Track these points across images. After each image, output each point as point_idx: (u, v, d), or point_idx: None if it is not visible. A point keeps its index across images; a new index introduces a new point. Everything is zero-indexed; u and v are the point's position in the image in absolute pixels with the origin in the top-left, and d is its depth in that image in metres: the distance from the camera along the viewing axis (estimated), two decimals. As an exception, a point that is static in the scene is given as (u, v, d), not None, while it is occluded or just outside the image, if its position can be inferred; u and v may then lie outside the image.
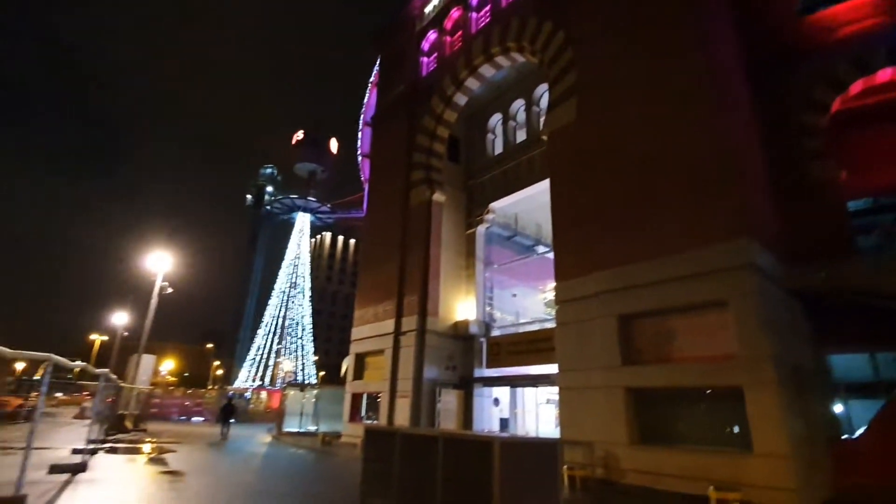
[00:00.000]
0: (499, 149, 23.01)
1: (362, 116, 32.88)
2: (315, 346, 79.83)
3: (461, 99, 22.94)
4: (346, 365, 25.40)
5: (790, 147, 13.42)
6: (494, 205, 21.74)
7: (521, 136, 22.09)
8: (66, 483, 8.23)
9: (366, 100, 33.13)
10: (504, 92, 23.19)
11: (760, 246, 10.76)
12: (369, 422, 21.05)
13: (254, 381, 70.66)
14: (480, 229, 22.11)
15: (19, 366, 53.51)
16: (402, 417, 18.79)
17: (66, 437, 16.20)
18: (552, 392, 17.69)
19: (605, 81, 14.66)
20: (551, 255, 16.42)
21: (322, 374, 74.23)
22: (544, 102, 19.90)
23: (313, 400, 26.30)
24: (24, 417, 23.21)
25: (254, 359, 74.07)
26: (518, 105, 22.56)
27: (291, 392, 27.36)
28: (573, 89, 15.58)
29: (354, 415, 22.47)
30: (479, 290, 21.32)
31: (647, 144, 12.90)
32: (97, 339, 51.71)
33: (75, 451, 11.27)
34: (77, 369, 9.75)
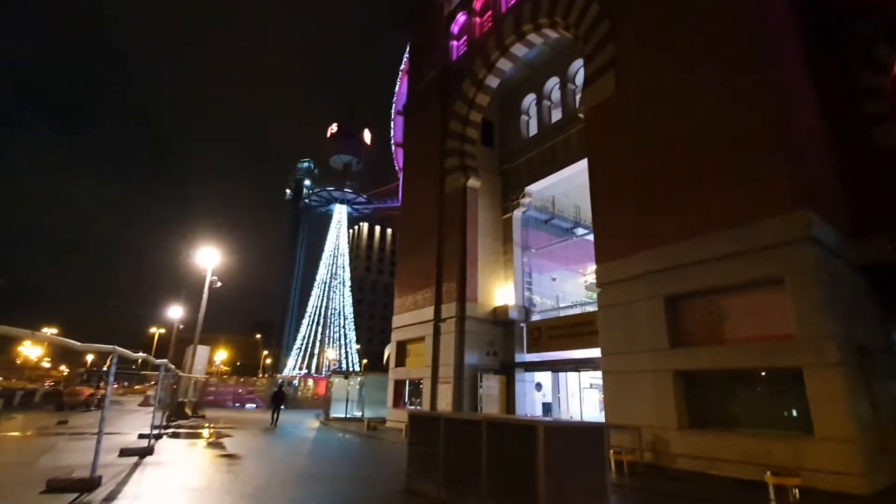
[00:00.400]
0: (533, 130, 22.51)
1: (394, 106, 32.97)
2: (357, 335, 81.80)
3: (493, 81, 22.54)
4: (388, 352, 25.87)
5: (850, 112, 12.48)
6: (531, 188, 21.35)
7: (556, 115, 21.51)
8: (136, 465, 8.80)
9: (397, 88, 33.16)
10: (537, 71, 22.59)
11: (819, 218, 10.07)
12: (412, 407, 21.42)
13: (300, 369, 73.27)
14: (517, 213, 21.80)
15: (89, 358, 57.70)
16: (445, 403, 19.00)
17: (132, 423, 17.36)
18: (596, 376, 17.40)
19: (644, 52, 13.99)
20: (591, 237, 16.01)
21: (365, 361, 76.08)
22: (580, 79, 19.24)
23: (357, 387, 26.99)
24: (95, 405, 25.06)
25: (299, 348, 76.73)
26: (552, 83, 21.93)
27: (336, 379, 28.14)
28: (611, 63, 14.96)
29: (398, 401, 22.91)
30: (517, 274, 21.12)
31: (692, 116, 12.27)
32: (156, 331, 54.95)
33: (142, 436, 12.03)
34: (139, 360, 10.34)
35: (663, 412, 11.30)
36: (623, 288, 13.07)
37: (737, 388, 10.90)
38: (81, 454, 9.09)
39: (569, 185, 21.02)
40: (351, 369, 65.76)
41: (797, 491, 7.78)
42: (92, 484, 6.53)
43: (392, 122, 33.30)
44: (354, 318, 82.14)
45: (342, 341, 78.02)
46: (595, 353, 14.79)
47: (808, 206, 9.89)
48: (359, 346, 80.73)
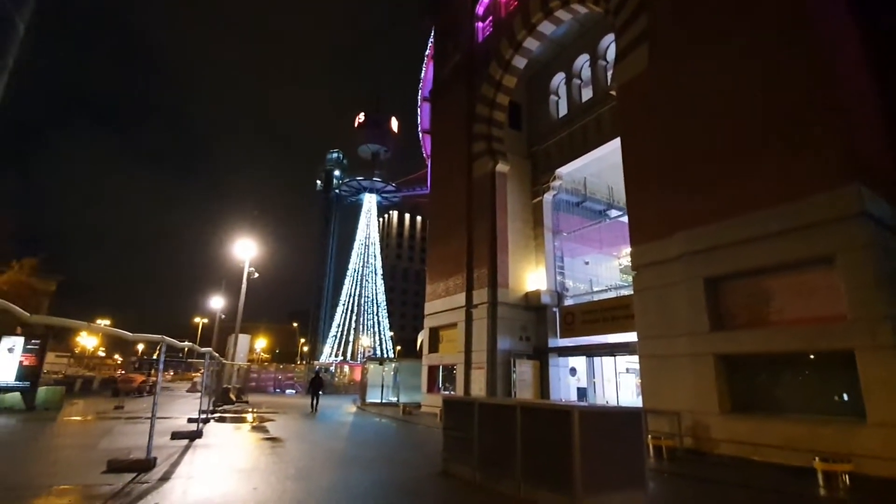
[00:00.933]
0: (563, 110, 21.98)
1: (420, 92, 32.76)
2: (390, 322, 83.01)
3: (520, 61, 22.07)
4: (421, 339, 26.18)
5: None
6: (561, 170, 20.93)
7: (586, 94, 20.91)
8: (186, 447, 9.28)
9: (422, 74, 32.91)
10: (566, 48, 21.95)
11: (871, 192, 9.46)
12: (446, 392, 21.66)
13: (336, 355, 75.11)
14: (547, 197, 21.45)
15: (139, 348, 60.95)
16: (478, 388, 19.12)
17: (182, 408, 18.28)
18: (632, 361, 17.10)
19: (680, 22, 13.34)
20: (625, 219, 15.59)
21: (398, 348, 77.30)
22: (611, 54, 18.61)
23: (392, 373, 27.49)
24: (147, 391, 26.50)
25: (335, 335, 78.56)
26: (582, 61, 21.28)
27: (371, 366, 28.73)
28: (643, 35, 14.36)
29: (432, 386, 23.21)
30: (548, 259, 20.86)
31: (731, 87, 11.67)
32: (199, 321, 57.41)
33: (191, 420, 12.66)
34: (186, 349, 10.83)
35: (704, 397, 11.02)
36: (660, 270, 12.71)
37: (782, 371, 10.48)
38: (137, 437, 9.65)
39: (601, 165, 20.48)
40: (385, 356, 66.92)
41: (847, 477, 7.49)
42: (148, 465, 6.94)
43: (419, 109, 33.13)
44: (387, 305, 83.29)
45: (376, 328, 79.38)
46: (631, 337, 14.51)
47: (860, 180, 9.29)
48: (392, 333, 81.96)
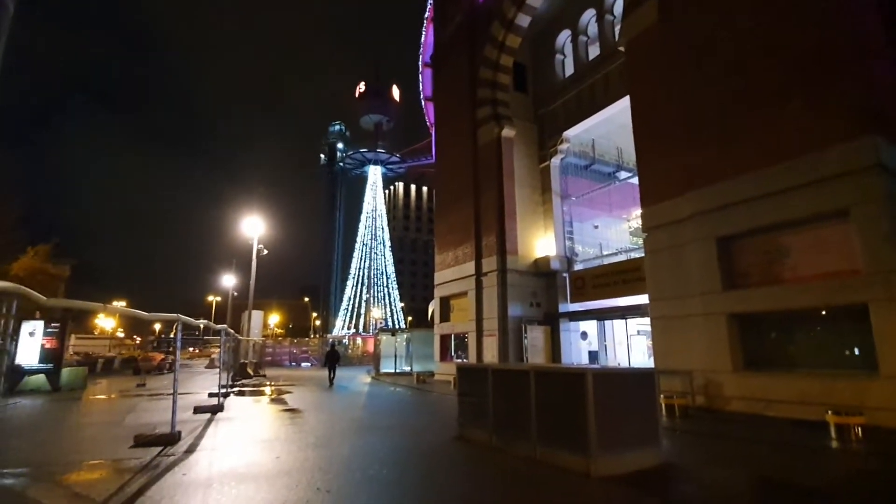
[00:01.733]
0: (569, 70, 21.31)
1: (421, 57, 31.87)
2: (400, 293, 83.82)
3: (524, 20, 21.27)
4: (432, 308, 26.41)
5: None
6: (569, 133, 20.48)
7: (593, 51, 20.22)
8: (209, 421, 9.54)
9: (423, 39, 31.90)
10: (571, 4, 21.11)
11: (888, 143, 9.15)
12: (459, 360, 21.98)
13: (348, 328, 76.36)
14: (555, 161, 21.09)
15: (156, 327, 62.29)
16: (490, 355, 19.36)
17: (201, 383, 18.76)
18: (643, 323, 17.15)
19: (690, -29, 12.69)
20: (635, 180, 15.32)
21: (410, 318, 78.27)
22: (619, 8, 17.86)
23: (405, 343, 27.90)
24: (167, 369, 27.21)
25: (346, 308, 79.66)
26: (588, 16, 20.47)
27: (384, 337, 29.17)
28: (652, -13, 13.71)
29: (444, 354, 23.56)
30: (557, 224, 20.70)
31: (744, 39, 11.19)
32: (212, 299, 58.33)
33: (211, 395, 12.99)
34: (201, 326, 10.99)
35: (716, 355, 11.06)
36: (671, 231, 12.56)
37: (794, 328, 10.46)
38: (160, 412, 9.93)
39: (610, 126, 20.00)
40: (397, 326, 67.89)
41: (860, 430, 7.53)
42: (173, 438, 7.15)
43: (420, 76, 32.30)
44: (396, 276, 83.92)
45: (387, 300, 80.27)
46: (642, 299, 14.49)
47: (876, 131, 8.99)
48: (403, 304, 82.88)
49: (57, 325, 16.18)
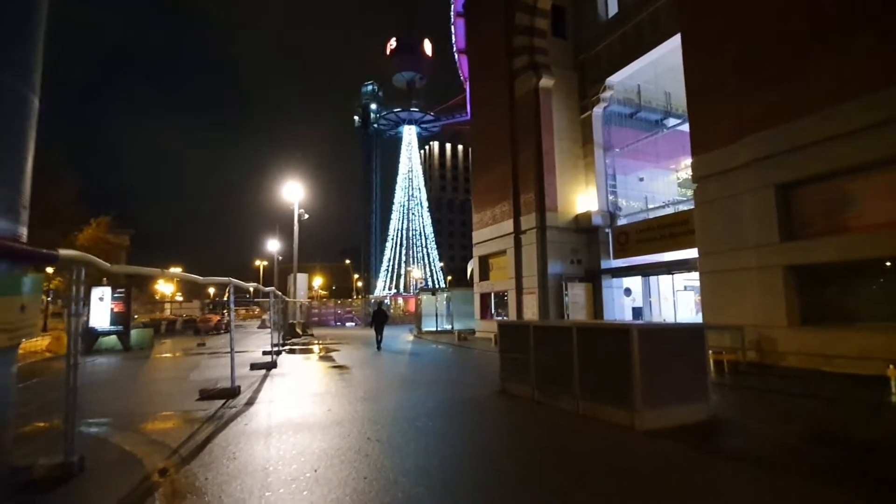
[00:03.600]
0: (613, 9, 19.83)
1: (453, 6, 30.53)
2: (439, 253, 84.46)
3: (562, -44, 19.80)
4: (471, 267, 26.50)
5: None
6: (612, 79, 19.31)
7: (639, -13, 18.66)
8: (264, 377, 10.15)
9: (454, -13, 30.47)
10: (613, -64, 19.40)
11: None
12: (499, 318, 22.15)
13: (389, 289, 78.12)
14: (597, 110, 20.06)
15: (210, 291, 65.99)
16: (531, 313, 19.37)
17: (255, 342, 19.87)
18: (691, 278, 16.58)
19: None
20: (685, 127, 14.40)
21: (450, 278, 79.11)
22: (667, -63, 16.25)
23: (445, 302, 28.32)
24: (223, 329, 28.92)
25: (386, 269, 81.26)
26: (633, -52, 18.80)
27: (424, 296, 29.67)
28: None
29: (484, 312, 23.78)
30: (599, 178, 19.94)
31: (815, -40, 9.97)
32: (259, 264, 60.86)
33: (265, 353, 13.72)
34: (251, 289, 11.51)
35: (771, 310, 10.58)
36: (724, 180, 11.84)
37: (856, 280, 9.80)
38: (220, 369, 10.62)
39: (657, 69, 18.72)
40: (437, 286, 68.89)
41: (925, 383, 7.11)
42: (234, 392, 7.65)
43: (452, 27, 31.07)
44: (435, 237, 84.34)
45: (426, 260, 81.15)
46: (691, 253, 13.95)
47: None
48: (442, 264, 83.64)
49: (122, 290, 17.40)
